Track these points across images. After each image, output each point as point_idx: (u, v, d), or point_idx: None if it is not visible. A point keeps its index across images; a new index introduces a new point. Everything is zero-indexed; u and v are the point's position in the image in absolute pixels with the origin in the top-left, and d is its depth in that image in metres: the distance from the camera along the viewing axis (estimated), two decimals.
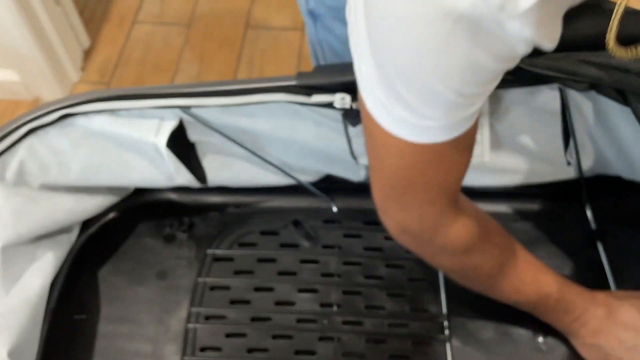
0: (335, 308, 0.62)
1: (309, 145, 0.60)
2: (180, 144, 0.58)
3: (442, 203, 0.46)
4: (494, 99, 0.55)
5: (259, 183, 0.67)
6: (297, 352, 0.60)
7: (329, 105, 0.52)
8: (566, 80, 0.45)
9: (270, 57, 1.36)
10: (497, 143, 0.59)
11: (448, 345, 0.59)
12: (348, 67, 0.53)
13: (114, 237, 0.67)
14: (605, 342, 0.53)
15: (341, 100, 0.52)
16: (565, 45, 0.37)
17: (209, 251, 0.66)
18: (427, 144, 0.39)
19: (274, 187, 0.68)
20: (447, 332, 0.60)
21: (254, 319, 0.62)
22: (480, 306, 0.61)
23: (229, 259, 0.66)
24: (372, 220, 0.67)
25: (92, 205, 0.64)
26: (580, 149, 0.58)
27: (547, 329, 0.58)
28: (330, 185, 0.69)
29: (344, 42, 0.59)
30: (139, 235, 0.68)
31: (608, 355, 0.53)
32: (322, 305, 0.62)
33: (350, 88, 0.49)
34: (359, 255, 0.65)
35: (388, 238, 0.66)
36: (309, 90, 0.52)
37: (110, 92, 0.55)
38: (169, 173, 0.61)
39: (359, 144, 0.58)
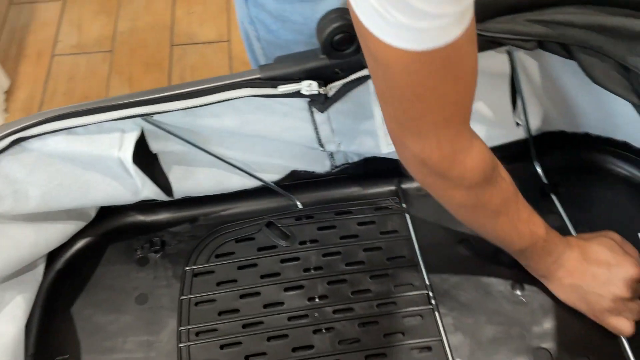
0: (322, 300, 0.62)
1: (276, 138, 0.60)
2: (144, 156, 0.57)
3: (457, 123, 0.46)
4: None
5: (225, 188, 0.67)
6: (295, 349, 0.60)
7: (295, 94, 0.53)
8: (516, 40, 0.48)
9: (201, 71, 1.35)
10: None
11: (437, 314, 0.61)
12: (309, 55, 0.55)
13: (84, 269, 0.65)
14: (581, 280, 0.57)
15: (308, 86, 0.52)
16: (513, 7, 0.40)
17: (187, 268, 0.65)
18: (431, 49, 0.38)
19: (241, 191, 0.68)
20: (433, 302, 0.62)
21: (245, 326, 0.61)
22: (459, 272, 0.63)
23: (209, 272, 0.65)
24: (343, 210, 0.69)
25: (55, 235, 0.61)
26: (528, 108, 0.63)
27: (523, 282, 0.61)
28: (296, 181, 0.70)
29: (277, 18, 0.60)
30: (109, 263, 0.66)
31: (585, 292, 0.57)
32: (310, 299, 0.63)
33: (315, 75, 0.50)
34: (337, 244, 0.66)
35: (361, 224, 0.68)
36: (274, 81, 0.53)
37: (64, 109, 0.52)
38: (135, 188, 0.59)
39: (325, 131, 0.59)
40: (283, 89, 0.53)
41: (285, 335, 0.60)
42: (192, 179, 0.64)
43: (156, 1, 1.50)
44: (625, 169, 0.69)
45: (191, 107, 0.53)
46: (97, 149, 0.54)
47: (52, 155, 0.54)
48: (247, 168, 0.65)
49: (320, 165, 0.67)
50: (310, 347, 0.60)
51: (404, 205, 0.69)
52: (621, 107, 0.61)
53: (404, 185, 0.71)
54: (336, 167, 0.68)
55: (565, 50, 0.49)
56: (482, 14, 0.47)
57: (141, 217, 0.68)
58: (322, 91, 0.53)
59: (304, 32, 0.62)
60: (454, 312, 0.61)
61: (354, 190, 0.71)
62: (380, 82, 0.44)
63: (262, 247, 0.66)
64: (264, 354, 0.59)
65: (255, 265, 0.65)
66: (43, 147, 0.54)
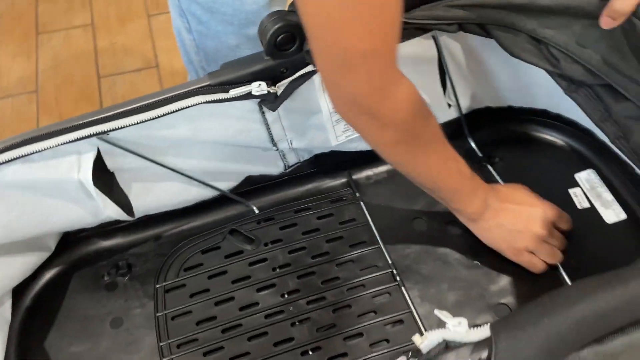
0: (294, 294, 0.65)
1: (230, 142, 0.62)
2: (102, 176, 0.58)
3: (385, 55, 0.46)
4: None
5: (185, 201, 0.68)
6: (276, 344, 0.62)
7: (246, 96, 0.55)
8: (440, 25, 0.53)
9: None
10: None
11: (403, 289, 0.65)
12: (254, 58, 0.58)
13: (53, 302, 0.64)
14: (504, 218, 0.61)
15: (258, 87, 0.55)
16: None
17: (158, 285, 0.66)
18: None
19: (201, 203, 0.70)
20: (398, 278, 0.66)
21: (224, 331, 0.63)
22: (417, 247, 0.68)
23: (181, 286, 0.66)
24: (301, 207, 0.72)
25: (17, 268, 0.60)
26: (457, 89, 0.68)
27: (476, 248, 0.66)
28: (252, 186, 0.72)
29: (207, 9, 0.63)
30: (78, 292, 0.65)
31: (508, 230, 0.62)
32: (283, 295, 0.65)
33: (262, 76, 0.53)
34: (300, 240, 0.69)
35: (320, 217, 0.72)
36: (224, 86, 0.55)
37: (17, 138, 0.52)
38: (96, 210, 0.59)
39: (276, 129, 0.63)
40: (234, 92, 0.55)
41: (265, 333, 0.62)
42: (151, 194, 0.65)
43: (75, 36, 1.48)
44: (547, 133, 0.76)
45: (146, 121, 0.54)
46: (56, 174, 0.54)
47: (9, 186, 0.54)
48: (204, 178, 0.67)
49: (274, 167, 0.70)
50: (290, 339, 0.62)
51: (357, 195, 0.73)
52: (536, 78, 0.68)
53: (355, 176, 0.75)
54: (289, 166, 0.71)
55: (484, 30, 0.55)
56: (408, 3, 0.52)
57: (104, 243, 0.68)
58: (271, 90, 0.56)
59: (233, 23, 0.65)
60: (418, 285, 0.65)
61: (309, 187, 0.74)
62: (307, 18, 0.45)
63: (228, 254, 0.68)
64: (247, 353, 0.61)
65: (225, 272, 0.67)
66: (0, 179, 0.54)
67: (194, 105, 0.55)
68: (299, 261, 0.68)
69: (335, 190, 0.74)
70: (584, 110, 0.59)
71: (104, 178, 0.58)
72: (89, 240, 0.67)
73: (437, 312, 0.43)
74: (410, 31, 0.54)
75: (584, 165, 0.73)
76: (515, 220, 0.62)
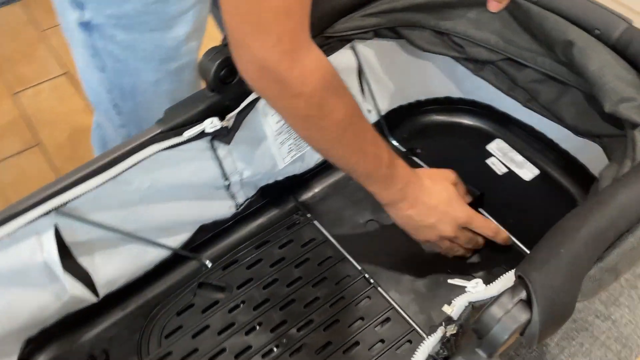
0: (282, 326, 0.65)
1: (185, 185, 0.61)
2: (63, 252, 0.53)
3: (297, 17, 0.45)
4: None
5: (143, 265, 0.65)
6: None
7: (200, 135, 0.55)
8: (359, 34, 0.58)
9: (25, 185, 1.25)
10: None
11: (380, 289, 0.68)
12: (198, 96, 0.57)
13: None
14: (418, 214, 0.61)
15: (211, 124, 0.55)
16: (350, 7, 0.49)
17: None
18: None
19: (160, 264, 0.67)
20: (372, 281, 0.68)
21: None
22: (378, 248, 0.71)
23: (167, 355, 0.62)
24: (260, 242, 0.72)
25: None
26: (375, 94, 0.74)
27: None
28: (208, 235, 0.71)
29: (127, 48, 0.62)
30: None
31: (419, 225, 0.62)
32: (273, 330, 0.65)
33: (211, 112, 0.54)
34: (270, 274, 0.69)
35: (282, 247, 0.72)
36: (177, 130, 0.54)
37: None
38: (60, 292, 0.54)
39: (228, 163, 0.63)
40: (189, 133, 0.55)
41: None
42: (110, 264, 0.60)
43: None
44: (455, 117, 0.84)
45: (104, 183, 0.52)
46: (18, 261, 0.49)
47: None
48: (159, 235, 0.64)
49: (226, 209, 0.70)
50: None
51: (308, 215, 0.75)
52: (436, 69, 0.76)
53: (301, 199, 0.77)
54: (240, 205, 0.71)
55: (395, 32, 0.61)
56: (329, 19, 0.56)
57: (73, 337, 0.62)
58: (224, 124, 0.56)
59: (154, 59, 0.65)
60: (390, 281, 0.69)
61: (261, 221, 0.75)
62: None
63: (205, 308, 0.66)
64: None
65: (207, 326, 0.64)
66: None
67: (150, 155, 0.54)
68: (276, 293, 0.68)
69: (287, 217, 0.75)
70: (493, 84, 0.67)
71: (65, 255, 0.54)
72: (56, 339, 0.61)
73: (450, 280, 0.46)
74: (333, 44, 0.58)
75: (492, 136, 0.82)
76: (424, 218, 0.62)
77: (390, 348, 0.63)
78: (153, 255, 0.66)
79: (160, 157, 0.55)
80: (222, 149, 0.61)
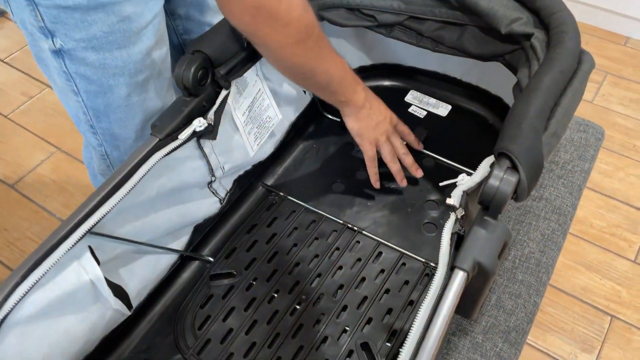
0: (308, 293, 0.73)
1: (183, 188, 0.67)
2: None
3: None
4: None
5: (160, 271, 0.70)
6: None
7: (192, 135, 0.62)
8: None
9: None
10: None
11: (364, 232, 0.78)
12: (178, 103, 0.64)
13: None
14: (373, 111, 0.77)
15: (199, 123, 0.62)
16: None
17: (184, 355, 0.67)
18: None
19: (171, 270, 0.72)
20: (355, 228, 0.79)
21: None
22: (350, 201, 0.81)
23: (207, 342, 0.68)
24: (249, 227, 0.79)
25: None
26: None
27: (389, 179, 0.84)
28: (202, 234, 0.77)
29: (99, 67, 0.69)
30: None
31: (374, 120, 0.77)
32: (290, 291, 0.72)
33: (194, 115, 0.61)
34: (269, 250, 0.77)
35: (269, 224, 0.80)
36: (173, 135, 0.60)
37: (15, 276, 0.49)
38: (104, 309, 0.58)
39: (213, 159, 0.70)
40: (183, 135, 0.61)
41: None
42: (135, 276, 0.64)
43: None
44: (371, 81, 0.97)
45: (123, 198, 0.56)
46: (66, 288, 0.52)
47: (21, 321, 0.50)
48: (166, 241, 0.70)
49: (213, 206, 0.76)
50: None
51: (281, 193, 0.83)
52: (348, 45, 0.89)
53: (269, 182, 0.85)
54: (223, 199, 0.78)
55: (319, 16, 0.72)
56: None
57: (114, 356, 0.65)
58: (208, 121, 0.63)
59: (124, 74, 0.70)
60: (369, 224, 0.80)
61: (243, 210, 0.82)
62: None
63: (224, 294, 0.72)
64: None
65: (233, 308, 0.71)
66: (21, 318, 0.50)
67: (155, 163, 0.59)
68: (280, 263, 0.75)
69: (264, 200, 0.83)
70: (404, 41, 0.80)
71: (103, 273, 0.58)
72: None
73: (441, 184, 0.58)
74: None
75: (406, 89, 0.96)
76: (378, 113, 0.78)
77: (390, 274, 0.74)
78: (166, 262, 0.71)
79: (161, 163, 0.61)
80: (206, 147, 0.68)
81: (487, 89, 0.90)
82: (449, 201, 0.54)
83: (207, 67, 0.63)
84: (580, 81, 0.58)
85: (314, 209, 0.81)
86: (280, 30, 0.59)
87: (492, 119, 0.91)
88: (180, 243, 0.74)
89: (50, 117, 1.70)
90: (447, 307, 0.46)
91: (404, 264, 0.75)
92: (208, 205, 0.76)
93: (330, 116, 0.93)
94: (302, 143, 0.91)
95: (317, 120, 0.93)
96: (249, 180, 0.83)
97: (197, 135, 0.64)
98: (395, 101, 0.95)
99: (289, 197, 0.83)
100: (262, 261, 0.76)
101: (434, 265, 0.74)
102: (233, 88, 0.69)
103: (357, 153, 0.86)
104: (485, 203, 0.49)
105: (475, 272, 0.48)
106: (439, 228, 0.79)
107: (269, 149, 0.84)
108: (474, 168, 0.83)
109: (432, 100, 0.95)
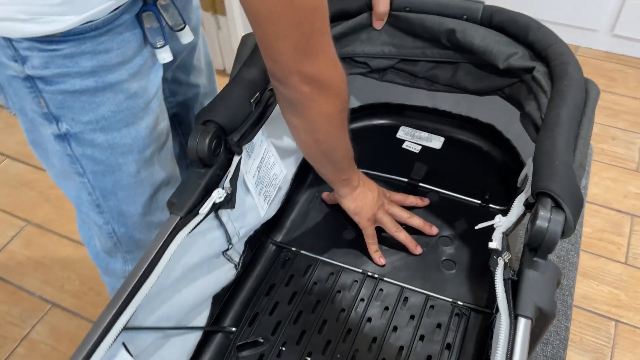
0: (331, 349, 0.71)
1: (203, 261, 0.64)
2: None
3: (330, 45, 0.56)
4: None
5: (187, 352, 0.66)
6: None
7: (212, 208, 0.60)
8: None
9: None
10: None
11: (386, 279, 0.77)
12: (193, 176, 0.62)
13: None
14: (367, 189, 0.79)
15: (218, 194, 0.60)
16: None
17: None
18: None
19: (197, 348, 0.69)
20: (376, 276, 0.78)
21: None
22: (366, 250, 0.81)
23: None
24: (268, 288, 0.77)
25: None
26: None
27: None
28: (220, 304, 0.74)
29: (108, 148, 0.67)
30: None
31: (371, 198, 0.79)
32: (323, 352, 0.70)
33: (211, 187, 0.59)
34: (293, 310, 0.74)
35: (287, 284, 0.77)
36: (194, 211, 0.58)
37: None
38: None
39: (230, 227, 0.68)
40: (204, 209, 0.59)
41: None
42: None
43: None
44: (361, 122, 0.97)
45: (153, 285, 0.53)
46: None
47: None
48: (190, 320, 0.66)
49: (229, 273, 0.73)
50: None
51: (293, 249, 0.82)
52: None
53: (278, 238, 0.83)
54: (237, 264, 0.76)
55: None
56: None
57: None
58: (226, 191, 0.61)
59: (133, 151, 0.68)
60: (388, 269, 0.79)
61: (258, 271, 0.79)
62: (279, 18, 0.51)
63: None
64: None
65: None
66: None
67: (179, 243, 0.56)
68: (307, 323, 0.73)
69: (277, 258, 0.81)
70: (399, 83, 0.81)
71: None
72: None
73: (477, 227, 0.58)
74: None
75: (397, 126, 0.97)
76: (370, 190, 0.80)
77: (421, 319, 0.73)
78: (191, 340, 0.67)
79: (184, 241, 0.58)
80: (224, 215, 0.66)
81: (478, 118, 0.92)
82: (491, 245, 0.54)
83: (220, 136, 0.61)
84: (592, 110, 0.59)
85: (330, 261, 0.80)
86: (333, 100, 0.60)
87: (486, 147, 0.93)
88: (202, 318, 0.70)
89: (14, 189, 1.62)
90: (520, 358, 0.45)
91: (432, 306, 0.74)
92: (225, 273, 0.73)
93: None
94: (305, 193, 0.90)
95: (313, 169, 0.92)
96: (258, 239, 0.81)
97: (217, 207, 0.62)
98: (387, 139, 0.95)
99: (302, 252, 0.81)
100: (288, 323, 0.73)
101: (461, 304, 0.73)
102: (243, 152, 0.67)
103: None
104: (534, 245, 0.49)
105: (536, 317, 0.47)
106: (458, 264, 0.78)
107: (276, 205, 0.82)
108: (479, 197, 0.86)
109: (424, 134, 0.96)
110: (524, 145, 0.86)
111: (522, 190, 0.77)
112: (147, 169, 0.71)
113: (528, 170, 0.72)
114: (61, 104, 0.61)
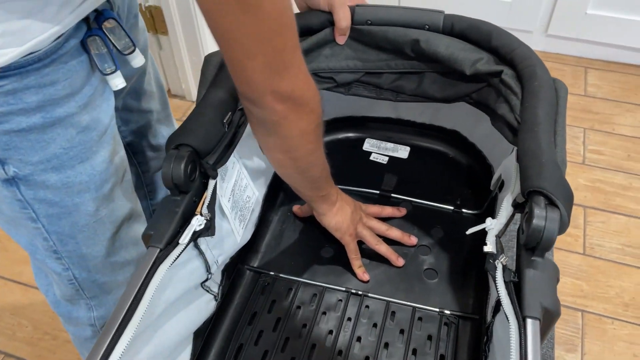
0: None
1: (185, 294, 0.61)
2: None
3: (301, 61, 0.53)
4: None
5: None
6: None
7: (192, 236, 0.56)
8: None
9: None
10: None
11: (370, 294, 0.76)
12: (169, 203, 0.58)
13: None
14: (344, 205, 0.77)
15: (197, 221, 0.57)
16: None
17: None
18: None
19: None
20: (360, 292, 0.76)
21: None
22: (347, 267, 0.79)
23: None
24: (250, 317, 0.73)
25: None
26: None
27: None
28: (202, 340, 0.70)
29: (62, 188, 0.62)
30: None
31: (349, 213, 0.77)
32: None
33: (188, 214, 0.56)
34: (278, 337, 0.71)
35: (270, 310, 0.74)
36: (173, 241, 0.55)
37: None
38: None
39: (209, 255, 0.64)
40: (184, 239, 0.55)
41: None
42: None
43: None
44: (326, 137, 0.96)
45: (139, 324, 0.49)
46: None
47: None
48: (174, 357, 0.62)
49: (209, 304, 0.70)
50: None
51: (271, 273, 0.79)
52: None
53: (255, 263, 0.80)
54: (217, 295, 0.72)
55: None
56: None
57: None
58: (205, 217, 0.58)
59: (90, 189, 0.63)
60: (371, 284, 0.77)
61: (238, 300, 0.76)
62: (249, 36, 0.48)
63: None
64: None
65: None
66: None
67: (162, 275, 0.52)
68: (295, 349, 0.70)
69: (255, 284, 0.78)
70: (365, 96, 0.81)
71: None
72: None
73: (468, 232, 0.57)
74: None
75: (362, 139, 0.96)
76: (347, 205, 0.78)
77: (411, 332, 0.71)
78: None
79: (166, 275, 0.54)
80: (202, 244, 0.63)
81: (442, 125, 0.93)
82: (486, 249, 0.54)
83: (195, 160, 0.58)
84: (564, 107, 0.61)
85: (311, 282, 0.77)
86: (307, 116, 0.58)
87: (452, 153, 0.93)
88: (185, 356, 0.66)
89: None
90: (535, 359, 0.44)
91: (419, 318, 0.73)
92: (205, 305, 0.69)
93: None
94: (277, 214, 0.87)
95: (284, 187, 0.90)
96: (235, 267, 0.78)
97: (196, 235, 0.58)
98: (354, 152, 0.95)
99: (281, 275, 0.78)
100: (276, 352, 0.70)
101: (448, 312, 0.73)
102: (218, 175, 0.64)
103: None
104: (531, 244, 0.49)
105: (542, 317, 0.47)
106: (439, 273, 0.78)
107: (250, 228, 0.79)
108: (451, 203, 0.86)
109: (390, 145, 0.96)
110: (490, 148, 0.87)
111: (496, 193, 0.79)
112: (107, 206, 0.66)
113: (502, 171, 0.73)
114: (6, 145, 0.56)
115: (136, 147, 0.89)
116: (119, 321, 0.49)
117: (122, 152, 0.70)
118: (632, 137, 1.68)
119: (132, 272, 0.74)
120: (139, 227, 0.76)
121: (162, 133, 0.91)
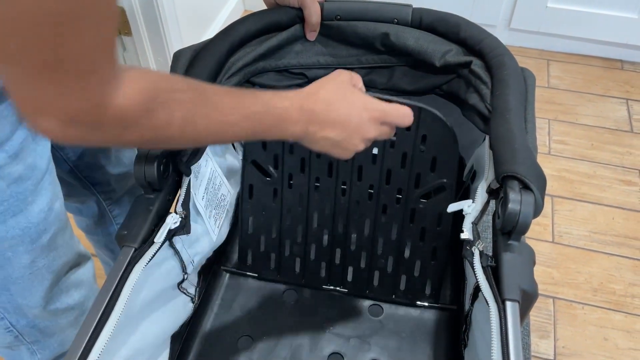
0: None
1: (162, 294, 0.60)
2: None
3: (103, 68, 0.38)
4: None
5: None
6: None
7: (167, 234, 0.56)
8: None
9: None
10: None
11: None
12: (142, 203, 0.56)
13: None
14: (330, 133, 0.55)
15: (172, 219, 0.56)
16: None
17: None
18: None
19: None
20: None
21: None
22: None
23: None
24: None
25: None
26: None
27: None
28: (181, 344, 0.69)
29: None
30: None
31: (336, 141, 0.56)
32: None
33: (162, 213, 0.56)
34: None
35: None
36: (148, 240, 0.54)
37: None
38: None
39: (184, 254, 0.63)
40: (159, 237, 0.54)
41: None
42: None
43: None
44: None
45: (117, 321, 0.48)
46: None
47: None
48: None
49: (186, 306, 0.68)
50: None
51: (248, 274, 0.78)
52: None
53: (229, 265, 0.79)
54: (193, 297, 0.71)
55: (250, 83, 0.71)
56: None
57: None
58: (180, 215, 0.57)
59: (24, 241, 0.57)
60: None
61: (216, 301, 0.75)
62: (6, 44, 0.34)
63: None
64: None
65: None
66: None
67: (138, 275, 0.51)
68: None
69: (236, 286, 0.77)
70: None
71: None
72: None
73: (449, 209, 0.58)
74: None
75: None
76: (339, 132, 0.56)
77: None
78: None
79: (142, 274, 0.53)
80: (177, 242, 0.61)
81: None
82: (463, 236, 0.54)
83: (168, 157, 0.57)
84: (533, 95, 0.62)
85: (290, 281, 0.77)
86: (117, 138, 0.43)
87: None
88: (162, 359, 0.65)
89: None
90: (516, 343, 0.45)
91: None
92: (183, 307, 0.68)
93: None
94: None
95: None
96: (211, 268, 0.77)
97: (172, 234, 0.57)
98: None
99: (259, 276, 0.78)
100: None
101: (426, 304, 0.73)
102: (192, 173, 0.64)
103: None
104: (507, 228, 0.50)
105: (521, 299, 0.48)
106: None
107: (225, 228, 0.78)
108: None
109: None
110: (460, 140, 0.88)
111: (468, 184, 0.80)
112: (46, 257, 0.61)
113: (474, 161, 0.74)
114: None
115: (94, 178, 0.79)
116: (95, 323, 0.48)
117: (62, 197, 0.62)
118: (595, 126, 1.73)
119: (75, 315, 0.68)
120: (85, 271, 0.70)
121: (125, 154, 0.81)
